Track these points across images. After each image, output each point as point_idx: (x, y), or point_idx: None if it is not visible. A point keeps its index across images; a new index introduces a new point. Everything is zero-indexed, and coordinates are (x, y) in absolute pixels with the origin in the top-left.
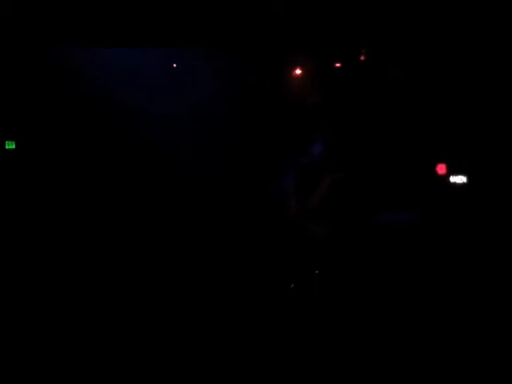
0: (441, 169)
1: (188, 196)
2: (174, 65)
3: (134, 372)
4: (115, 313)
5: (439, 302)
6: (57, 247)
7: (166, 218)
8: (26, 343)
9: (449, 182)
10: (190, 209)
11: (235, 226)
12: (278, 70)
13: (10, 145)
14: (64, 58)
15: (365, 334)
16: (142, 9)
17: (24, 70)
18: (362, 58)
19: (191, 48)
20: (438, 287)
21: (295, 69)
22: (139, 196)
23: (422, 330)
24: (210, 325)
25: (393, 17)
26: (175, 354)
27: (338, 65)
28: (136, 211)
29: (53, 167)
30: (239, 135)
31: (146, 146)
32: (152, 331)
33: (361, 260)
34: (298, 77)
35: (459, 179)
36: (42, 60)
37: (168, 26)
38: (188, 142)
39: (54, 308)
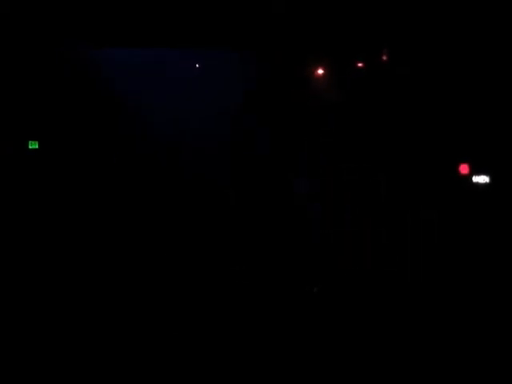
0: (463, 169)
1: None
2: (197, 65)
3: (134, 371)
4: (116, 311)
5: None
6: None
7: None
8: (25, 343)
9: (471, 182)
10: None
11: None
12: (297, 70)
13: (33, 144)
14: (78, 58)
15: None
16: (156, 9)
17: (43, 71)
18: (384, 57)
19: (205, 48)
20: (458, 288)
21: (316, 69)
22: (144, 193)
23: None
24: (230, 325)
25: (415, 17)
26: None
27: (360, 65)
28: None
29: (61, 166)
30: (249, 136)
31: (156, 145)
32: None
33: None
34: (318, 77)
35: (482, 179)
36: (59, 61)
37: (185, 27)
38: (193, 142)
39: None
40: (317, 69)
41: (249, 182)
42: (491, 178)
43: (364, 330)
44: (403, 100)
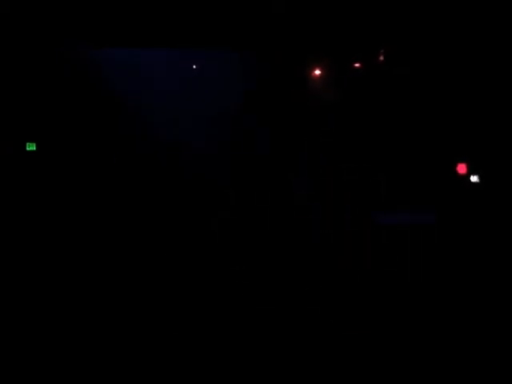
0: (461, 168)
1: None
2: (194, 66)
3: (134, 371)
4: (115, 311)
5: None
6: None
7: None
8: (26, 343)
9: (469, 182)
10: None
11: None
12: (297, 70)
13: (31, 146)
14: (78, 58)
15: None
16: (156, 9)
17: (43, 71)
18: (381, 58)
19: (205, 48)
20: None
21: (316, 69)
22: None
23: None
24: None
25: (414, 17)
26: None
27: (357, 65)
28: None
29: (60, 166)
30: (248, 136)
31: (156, 145)
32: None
33: (373, 262)
34: (318, 77)
35: (480, 179)
36: (59, 61)
37: (185, 27)
38: (193, 142)
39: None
40: (317, 69)
41: (249, 181)
42: (489, 178)
43: (364, 329)
44: (403, 100)
